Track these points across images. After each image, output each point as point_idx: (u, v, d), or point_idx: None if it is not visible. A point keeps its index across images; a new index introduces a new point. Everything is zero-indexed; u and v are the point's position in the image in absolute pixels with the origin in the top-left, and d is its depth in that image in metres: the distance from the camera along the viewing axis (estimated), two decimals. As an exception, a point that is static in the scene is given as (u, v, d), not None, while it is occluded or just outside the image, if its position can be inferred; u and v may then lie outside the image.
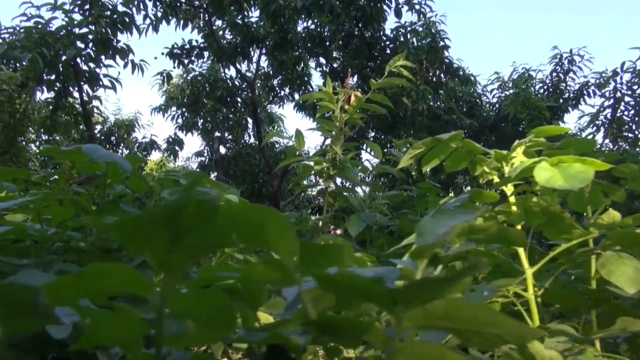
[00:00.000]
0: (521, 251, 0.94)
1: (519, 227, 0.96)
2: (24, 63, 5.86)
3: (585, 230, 1.02)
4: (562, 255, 1.07)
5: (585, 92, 10.43)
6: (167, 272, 0.33)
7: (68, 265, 1.18)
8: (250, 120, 12.47)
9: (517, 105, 8.42)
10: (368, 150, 9.08)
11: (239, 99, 11.52)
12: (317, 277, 0.33)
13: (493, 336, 0.36)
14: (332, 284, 0.34)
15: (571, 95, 10.65)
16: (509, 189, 0.99)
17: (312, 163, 2.70)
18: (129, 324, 0.36)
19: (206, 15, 8.96)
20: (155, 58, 13.92)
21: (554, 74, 10.73)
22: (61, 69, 6.40)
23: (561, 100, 10.35)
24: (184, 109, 11.86)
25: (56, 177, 1.84)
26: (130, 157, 1.39)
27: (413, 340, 0.40)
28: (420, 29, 8.40)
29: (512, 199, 0.98)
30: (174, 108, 12.02)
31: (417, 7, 8.06)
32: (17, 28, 6.20)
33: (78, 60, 6.38)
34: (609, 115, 7.87)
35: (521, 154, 0.99)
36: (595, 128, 7.94)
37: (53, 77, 6.51)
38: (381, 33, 8.13)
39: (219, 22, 9.42)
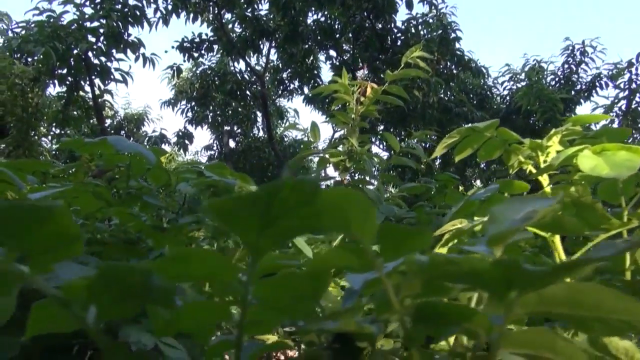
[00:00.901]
0: (557, 242, 0.92)
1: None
2: (37, 57, 5.87)
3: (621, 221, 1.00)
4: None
5: (597, 83, 10.33)
6: (255, 257, 0.32)
7: (87, 257, 1.17)
8: (259, 114, 12.47)
9: (530, 97, 8.33)
10: (377, 143, 9.04)
11: (248, 93, 11.51)
12: (432, 259, 0.32)
13: (620, 323, 0.34)
14: (445, 266, 0.32)
15: (583, 87, 10.54)
16: (544, 179, 0.97)
17: (325, 155, 2.69)
18: (215, 311, 0.35)
19: (215, 9, 8.94)
20: (166, 52, 13.94)
21: (566, 66, 10.61)
22: (73, 63, 6.42)
23: (573, 92, 10.24)
24: (193, 103, 11.86)
25: (75, 169, 1.84)
26: (154, 149, 1.39)
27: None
28: (431, 20, 8.33)
29: (547, 189, 0.96)
30: (183, 102, 12.03)
31: (429, -2, 7.99)
32: (30, 22, 6.22)
33: (89, 54, 6.40)
34: (623, 107, 7.77)
35: (557, 143, 0.97)
36: (609, 120, 7.85)
37: (65, 71, 6.53)
38: (392, 25, 8.07)
39: (228, 15, 9.40)
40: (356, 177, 2.68)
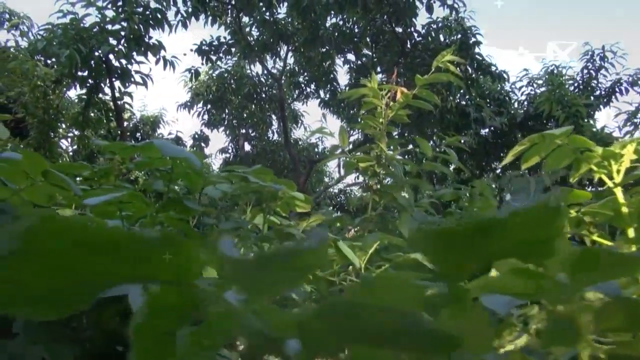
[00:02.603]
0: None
1: (631, 230, 0.90)
2: (61, 59, 5.91)
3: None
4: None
5: (617, 89, 10.20)
6: (451, 286, 0.29)
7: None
8: (274, 117, 12.48)
9: (552, 102, 8.22)
10: (391, 147, 8.98)
11: (264, 95, 11.52)
12: None
13: None
14: None
15: (602, 92, 10.42)
16: (618, 188, 0.93)
17: (334, 160, 2.68)
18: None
19: (234, 12, 8.97)
20: (185, 54, 13.99)
21: (585, 71, 10.49)
22: (93, 65, 6.46)
23: (592, 98, 10.12)
24: (209, 106, 11.89)
25: (106, 172, 1.83)
26: (197, 153, 1.37)
27: None
28: (451, 24, 8.27)
29: (622, 200, 0.92)
30: (200, 104, 12.07)
31: (450, 2, 7.90)
32: (54, 25, 6.26)
33: (110, 56, 6.43)
34: (648, 113, 7.62)
35: (632, 152, 0.93)
36: (633, 126, 7.71)
37: (85, 73, 6.57)
38: (412, 29, 8.01)
39: (245, 19, 9.42)
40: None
